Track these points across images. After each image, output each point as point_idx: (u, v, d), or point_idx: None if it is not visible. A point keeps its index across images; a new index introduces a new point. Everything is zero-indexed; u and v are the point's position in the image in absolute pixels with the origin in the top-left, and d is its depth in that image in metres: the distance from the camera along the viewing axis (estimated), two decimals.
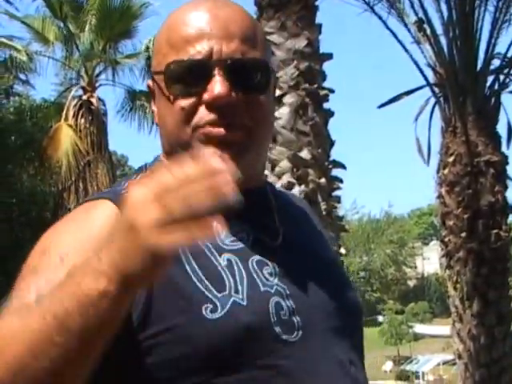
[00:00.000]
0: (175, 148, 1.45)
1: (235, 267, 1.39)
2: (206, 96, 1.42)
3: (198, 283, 1.34)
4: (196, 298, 1.33)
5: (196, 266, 1.36)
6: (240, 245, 1.43)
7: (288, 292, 1.41)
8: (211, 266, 1.37)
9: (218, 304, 1.33)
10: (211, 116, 1.42)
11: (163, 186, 1.05)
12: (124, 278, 1.09)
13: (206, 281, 1.35)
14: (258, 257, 1.43)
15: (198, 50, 1.43)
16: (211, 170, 1.06)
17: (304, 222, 1.68)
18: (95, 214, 1.39)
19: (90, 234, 1.32)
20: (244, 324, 1.33)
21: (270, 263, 1.44)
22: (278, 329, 1.36)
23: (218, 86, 1.40)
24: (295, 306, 1.41)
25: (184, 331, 1.32)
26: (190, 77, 1.44)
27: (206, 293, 1.34)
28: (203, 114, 1.43)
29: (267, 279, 1.41)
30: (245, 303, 1.35)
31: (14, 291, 1.31)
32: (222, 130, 1.42)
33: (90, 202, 1.45)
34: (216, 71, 1.41)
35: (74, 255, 1.29)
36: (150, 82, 1.56)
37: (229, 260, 1.39)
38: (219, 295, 1.34)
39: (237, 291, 1.35)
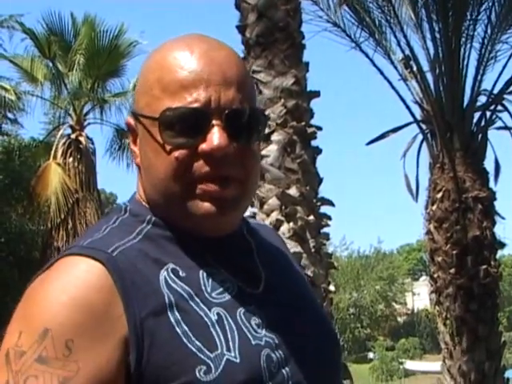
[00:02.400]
0: (165, 198, 1.42)
1: (225, 322, 1.36)
2: (204, 146, 1.37)
3: (189, 345, 1.30)
4: (188, 360, 1.29)
5: (186, 328, 1.32)
6: (227, 296, 1.40)
7: (276, 342, 1.40)
8: (201, 324, 1.34)
9: (212, 365, 1.29)
10: (206, 168, 1.38)
11: None
12: None
13: (197, 342, 1.31)
14: (244, 308, 1.41)
15: (196, 98, 1.38)
16: None
17: (280, 257, 1.67)
18: (80, 279, 1.31)
19: (85, 306, 1.28)
20: (239, 383, 1.30)
21: (256, 313, 1.42)
22: None
23: (216, 137, 1.37)
24: (284, 355, 1.40)
25: None
26: (186, 125, 1.38)
27: (199, 354, 1.30)
28: (199, 166, 1.39)
29: (256, 331, 1.39)
30: (238, 360, 1.32)
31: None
32: (217, 189, 1.38)
33: (68, 260, 1.35)
34: (214, 121, 1.38)
35: (78, 340, 1.25)
36: (131, 120, 1.50)
37: (218, 314, 1.36)
38: (212, 355, 1.30)
39: (229, 349, 1.32)
